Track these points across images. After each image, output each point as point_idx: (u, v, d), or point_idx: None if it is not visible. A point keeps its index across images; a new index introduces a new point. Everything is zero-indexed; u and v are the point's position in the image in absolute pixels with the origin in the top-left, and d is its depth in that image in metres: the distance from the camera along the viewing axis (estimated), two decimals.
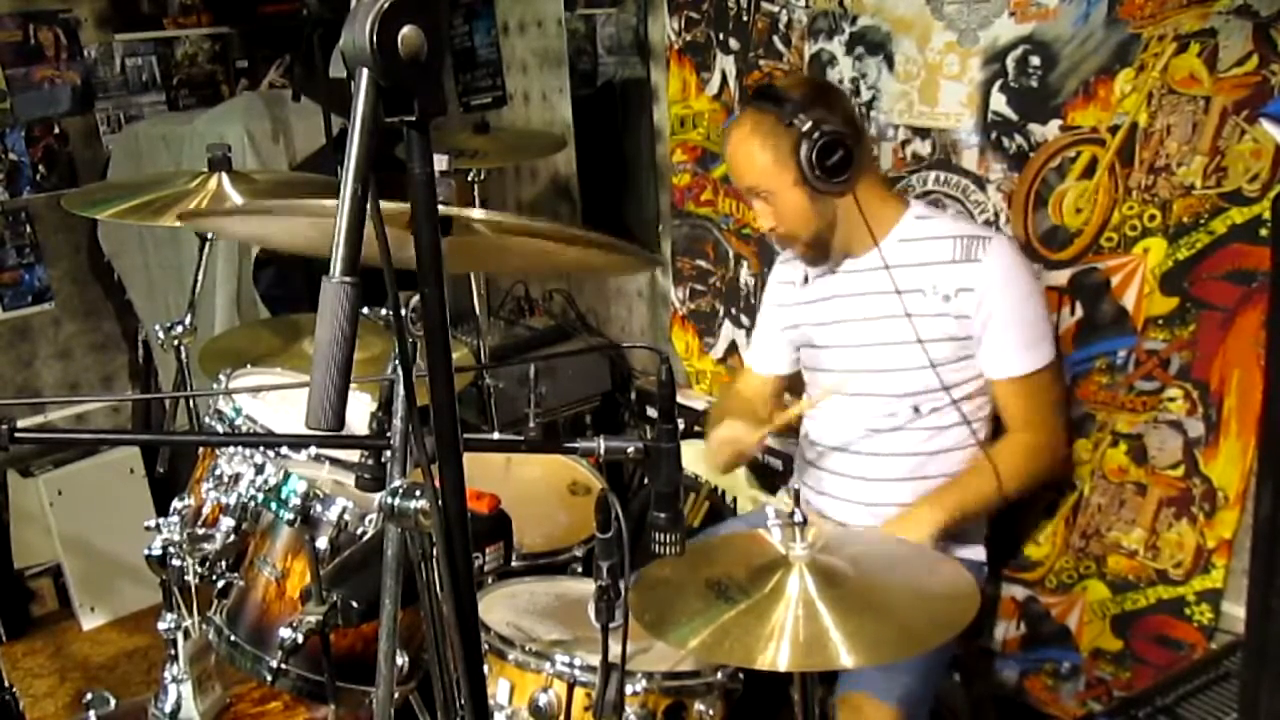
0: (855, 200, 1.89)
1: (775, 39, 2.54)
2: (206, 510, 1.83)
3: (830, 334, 2.06)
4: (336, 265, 0.82)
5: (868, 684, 1.78)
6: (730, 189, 2.78)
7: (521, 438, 1.85)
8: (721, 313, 2.93)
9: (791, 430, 2.25)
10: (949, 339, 1.89)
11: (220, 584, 1.74)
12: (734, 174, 1.98)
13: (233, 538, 1.76)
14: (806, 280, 2.10)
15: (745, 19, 2.60)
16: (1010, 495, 1.94)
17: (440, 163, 1.02)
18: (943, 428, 1.95)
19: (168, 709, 1.81)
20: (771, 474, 2.53)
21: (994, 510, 2.00)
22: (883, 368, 1.96)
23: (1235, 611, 1.95)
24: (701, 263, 2.94)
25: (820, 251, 1.98)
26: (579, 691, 1.58)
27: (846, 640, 1.35)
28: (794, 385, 2.25)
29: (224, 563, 1.76)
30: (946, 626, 1.40)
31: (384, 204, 0.91)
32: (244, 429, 1.84)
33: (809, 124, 1.82)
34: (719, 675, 1.61)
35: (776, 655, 1.34)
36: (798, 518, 1.52)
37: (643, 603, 1.48)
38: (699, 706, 1.60)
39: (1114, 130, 1.94)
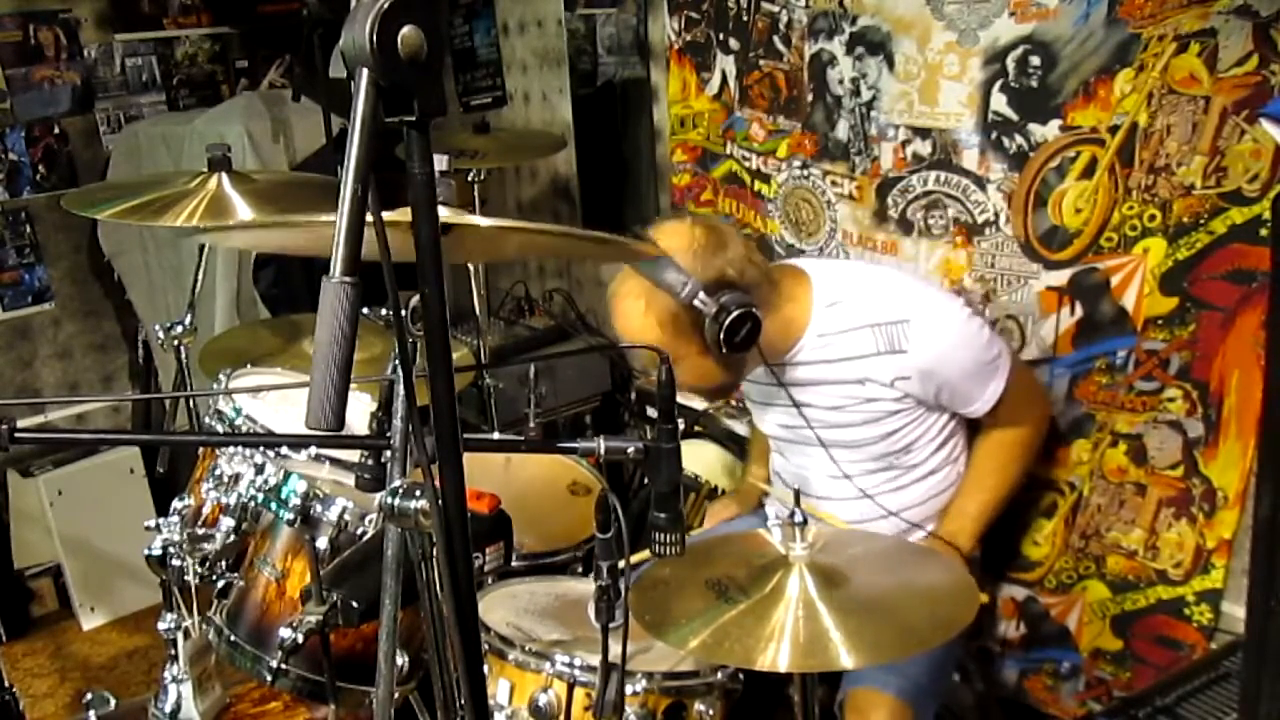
0: (779, 304, 1.82)
1: (775, 39, 2.54)
2: (206, 510, 1.84)
3: (781, 418, 2.00)
4: (336, 265, 0.82)
5: (876, 680, 1.78)
6: (731, 189, 2.78)
7: (521, 438, 1.85)
8: None
9: None
10: (897, 413, 1.88)
11: (220, 584, 1.74)
12: (625, 336, 1.83)
13: (233, 538, 1.76)
14: None
15: (745, 19, 2.60)
16: (1020, 481, 2.00)
17: (440, 163, 1.02)
18: (916, 464, 1.95)
19: (168, 709, 1.81)
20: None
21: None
22: (840, 444, 1.92)
23: (1235, 611, 1.95)
24: None
25: (724, 394, 1.98)
26: (579, 691, 1.58)
27: (847, 640, 1.35)
28: None
29: (224, 563, 1.76)
30: (947, 626, 1.41)
31: (386, 214, 0.91)
32: (244, 429, 1.84)
33: (715, 307, 1.68)
34: (719, 675, 1.61)
35: (776, 656, 1.34)
36: (798, 518, 1.52)
37: (643, 603, 1.48)
38: (699, 707, 1.60)
39: (1114, 130, 1.94)
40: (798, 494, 1.58)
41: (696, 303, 1.68)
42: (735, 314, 1.68)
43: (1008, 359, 1.90)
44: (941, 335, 1.83)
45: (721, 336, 1.68)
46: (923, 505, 1.98)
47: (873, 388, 1.84)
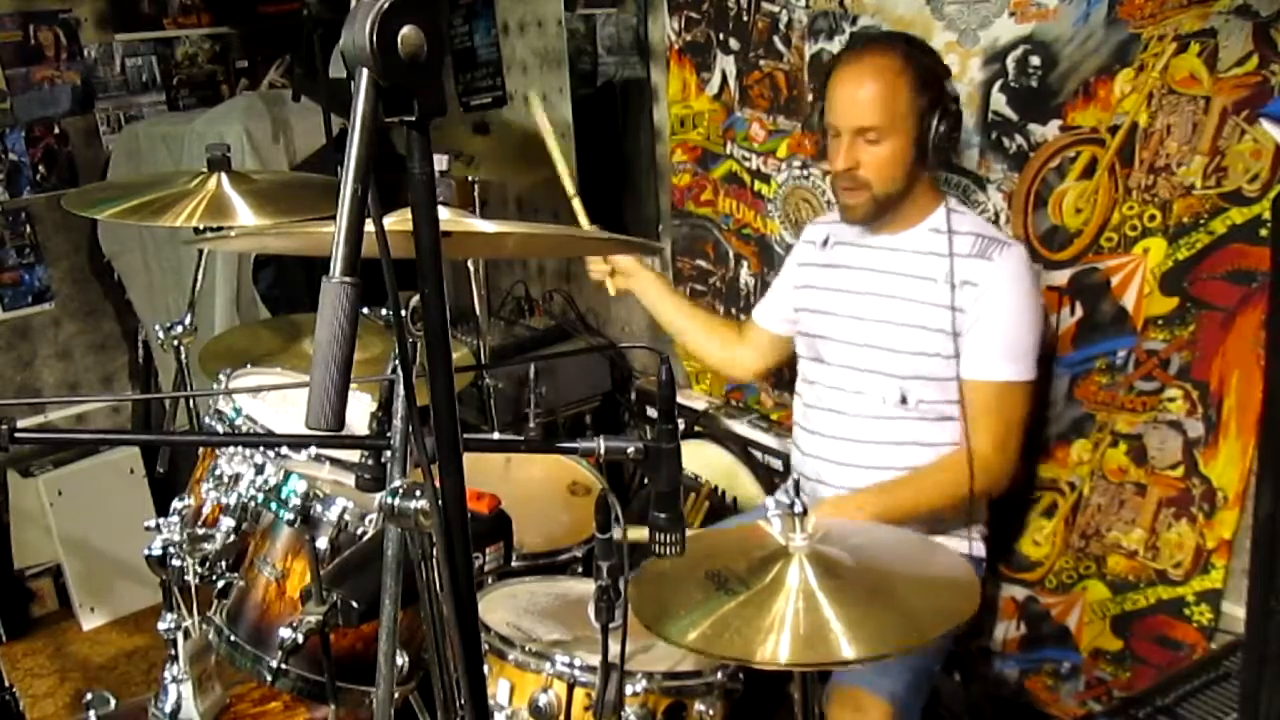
0: (928, 180, 1.94)
1: (775, 39, 2.54)
2: (206, 510, 1.84)
3: (834, 301, 2.07)
4: (336, 265, 0.82)
5: (861, 678, 1.78)
6: (731, 189, 2.78)
7: (521, 438, 1.85)
8: (721, 313, 2.93)
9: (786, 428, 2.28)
10: (948, 333, 1.90)
11: (220, 584, 1.74)
12: (855, 102, 1.86)
13: (233, 538, 1.76)
14: (827, 242, 2.13)
15: (745, 19, 2.60)
16: (945, 506, 1.93)
17: (440, 163, 1.02)
18: (934, 419, 1.95)
19: (168, 709, 1.81)
20: (771, 474, 2.53)
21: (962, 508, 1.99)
22: (878, 344, 1.97)
23: (1235, 611, 1.95)
24: (701, 263, 2.94)
25: (878, 210, 1.94)
26: (579, 692, 1.58)
27: (848, 631, 1.35)
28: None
29: (224, 563, 1.76)
30: (948, 616, 1.40)
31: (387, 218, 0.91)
32: (244, 429, 1.84)
33: (952, 95, 1.87)
34: (719, 675, 1.61)
35: (777, 647, 1.33)
36: (797, 509, 1.51)
37: (642, 596, 1.48)
38: (699, 707, 1.60)
39: (1114, 130, 1.94)
40: (796, 484, 1.58)
41: (945, 85, 1.88)
42: (957, 115, 1.89)
43: (1035, 369, 1.91)
44: (1025, 273, 1.89)
45: (943, 126, 1.86)
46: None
47: (941, 289, 1.90)
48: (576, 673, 1.58)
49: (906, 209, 1.96)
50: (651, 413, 2.97)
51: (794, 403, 2.20)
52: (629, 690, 1.54)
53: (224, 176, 2.15)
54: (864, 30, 2.31)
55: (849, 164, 1.89)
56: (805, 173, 2.55)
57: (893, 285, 1.97)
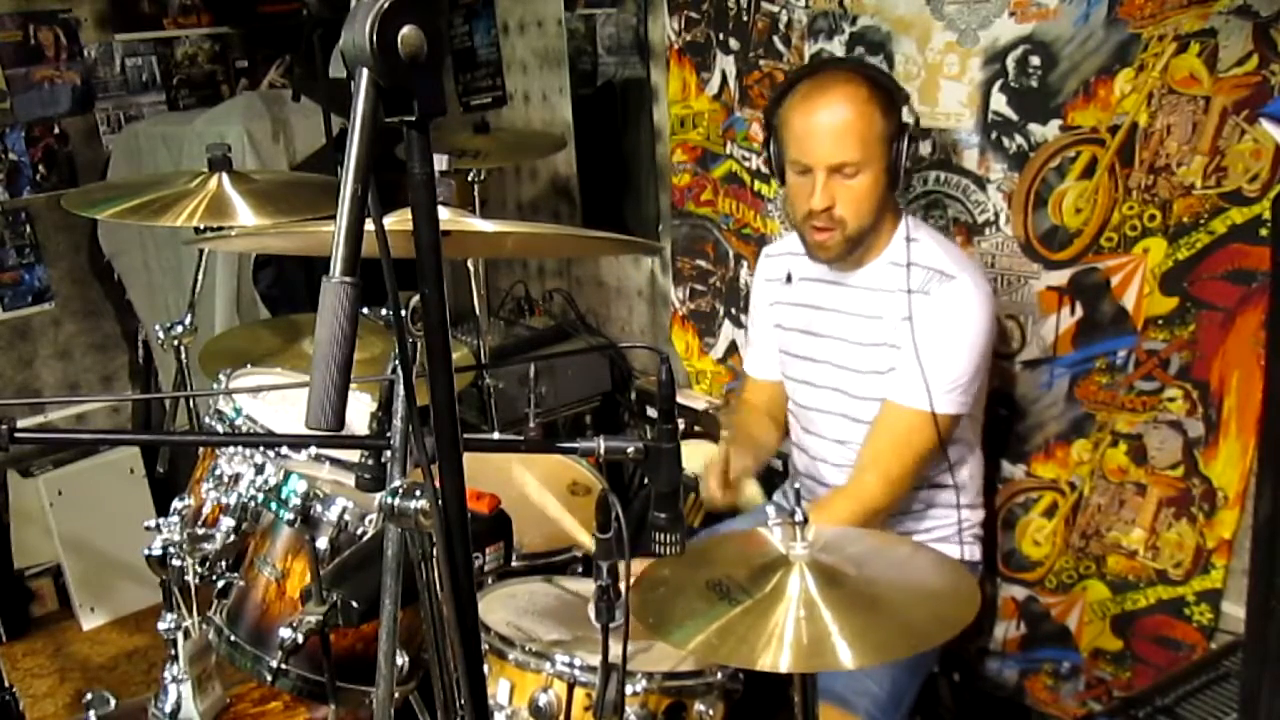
0: (892, 204, 1.90)
1: (775, 39, 2.54)
2: (206, 510, 1.83)
3: (804, 344, 2.04)
4: (336, 265, 0.82)
5: (835, 696, 1.76)
6: (731, 189, 2.78)
7: (521, 438, 1.84)
8: (721, 313, 2.93)
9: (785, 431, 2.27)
10: (887, 372, 1.88)
11: (220, 584, 1.74)
12: (830, 136, 1.80)
13: (233, 538, 1.76)
14: (790, 279, 2.09)
15: (745, 19, 2.60)
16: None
17: (440, 163, 1.02)
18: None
19: (168, 709, 1.81)
20: (771, 474, 2.53)
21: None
22: (847, 390, 1.95)
23: (1235, 611, 1.95)
24: (701, 263, 2.94)
25: (850, 248, 1.89)
26: (579, 691, 1.58)
27: (849, 639, 1.35)
28: None
29: (224, 563, 1.76)
30: (948, 625, 1.40)
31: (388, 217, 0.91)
32: (244, 429, 1.84)
33: (911, 120, 1.85)
34: (719, 675, 1.61)
35: (779, 656, 1.34)
36: (798, 517, 1.51)
37: (644, 604, 1.48)
38: (699, 707, 1.60)
39: (1114, 130, 1.94)
40: (798, 493, 1.58)
41: (905, 111, 1.84)
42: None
43: (957, 409, 1.84)
44: (966, 310, 1.82)
45: (910, 146, 1.84)
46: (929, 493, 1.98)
47: (886, 328, 1.87)
48: (577, 672, 1.58)
49: (871, 240, 1.91)
50: (651, 413, 2.97)
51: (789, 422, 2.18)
52: (629, 690, 1.54)
53: (224, 176, 2.14)
54: (863, 30, 2.31)
55: (827, 203, 1.81)
56: None
57: (849, 328, 1.94)
